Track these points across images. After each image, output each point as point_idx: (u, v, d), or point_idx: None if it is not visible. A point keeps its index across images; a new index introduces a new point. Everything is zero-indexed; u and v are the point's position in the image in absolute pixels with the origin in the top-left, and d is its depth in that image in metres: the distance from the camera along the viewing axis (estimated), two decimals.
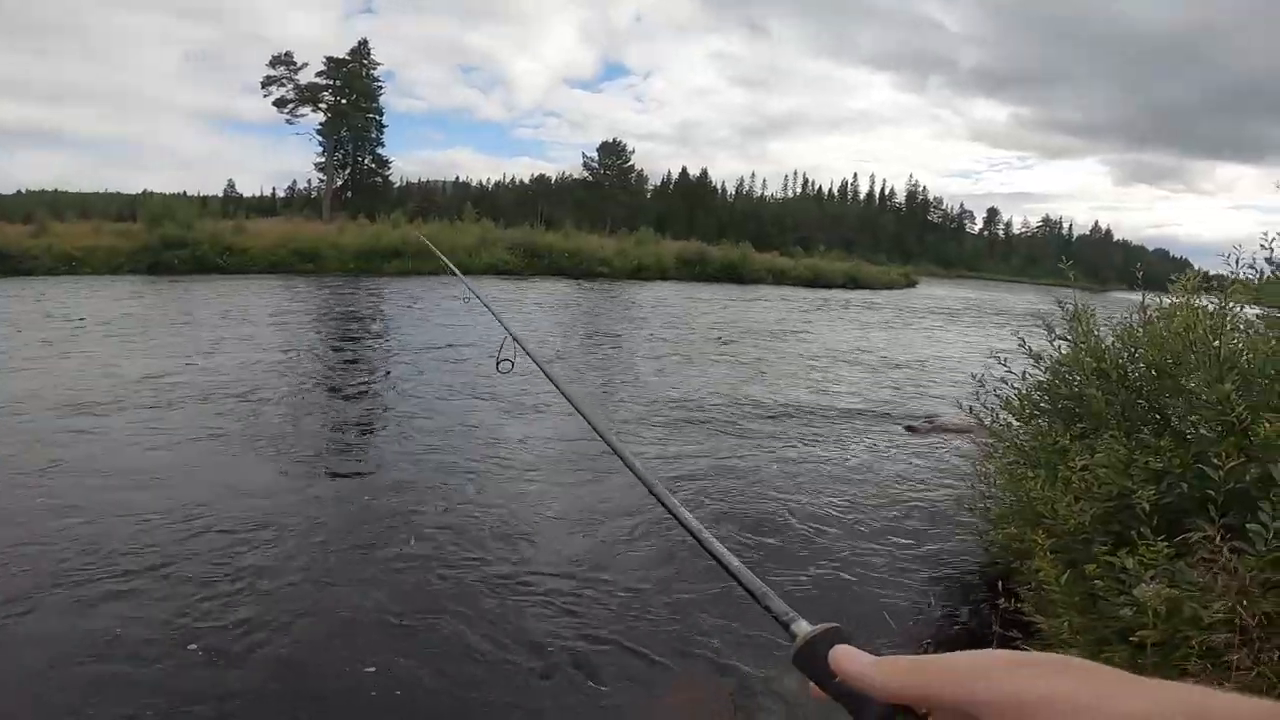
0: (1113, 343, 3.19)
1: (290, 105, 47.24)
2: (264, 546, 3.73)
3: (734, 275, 29.41)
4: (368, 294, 15.89)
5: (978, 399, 3.98)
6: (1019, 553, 3.02)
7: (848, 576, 3.87)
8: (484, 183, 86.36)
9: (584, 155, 65.43)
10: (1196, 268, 3.53)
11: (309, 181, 59.09)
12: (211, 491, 4.37)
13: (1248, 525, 1.63)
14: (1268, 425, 1.85)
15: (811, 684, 0.39)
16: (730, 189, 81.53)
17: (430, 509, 4.38)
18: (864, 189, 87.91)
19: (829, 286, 31.86)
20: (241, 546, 3.71)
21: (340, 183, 52.03)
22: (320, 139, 49.50)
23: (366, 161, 52.47)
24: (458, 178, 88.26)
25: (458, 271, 1.68)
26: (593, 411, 0.90)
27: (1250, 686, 1.46)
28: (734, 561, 0.50)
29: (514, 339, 1.27)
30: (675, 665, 2.96)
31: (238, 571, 3.46)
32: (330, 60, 48.52)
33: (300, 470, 4.92)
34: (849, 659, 0.37)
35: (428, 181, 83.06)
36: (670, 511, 0.60)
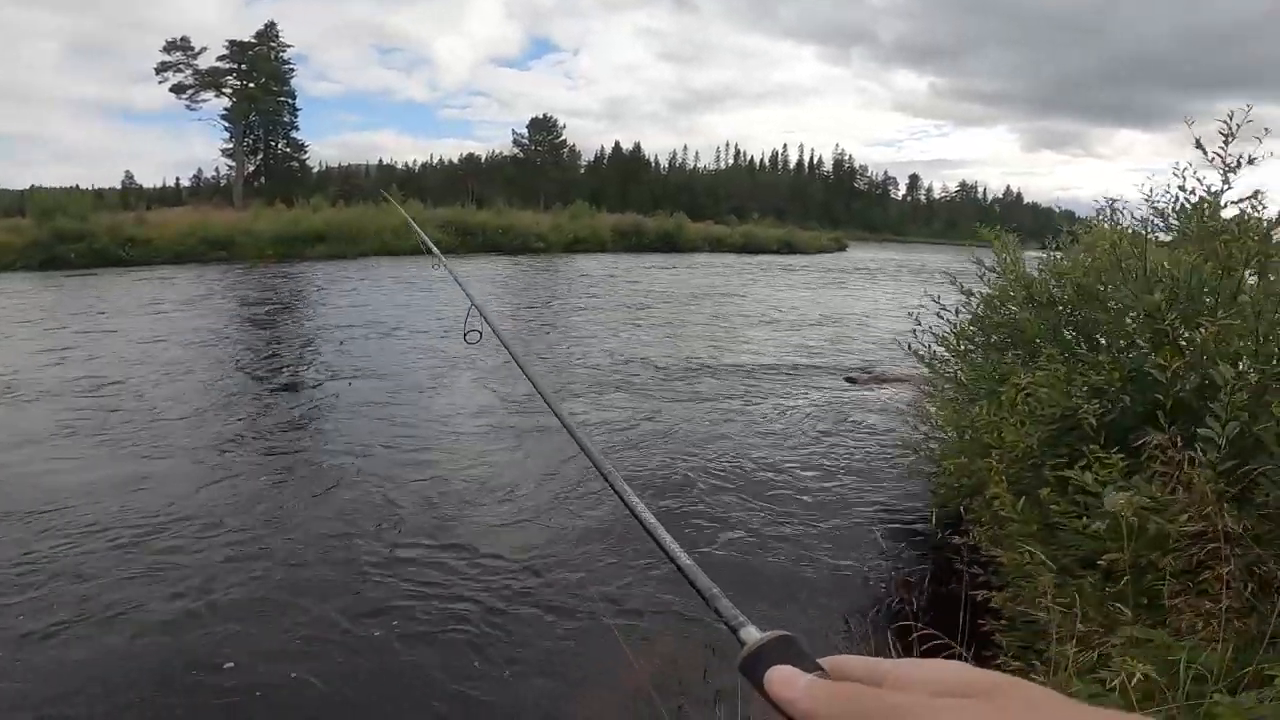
0: (1039, 272, 3.25)
1: (190, 91, 44.22)
2: (181, 538, 3.42)
3: (671, 245, 29.45)
4: (288, 280, 15.02)
5: (916, 340, 4.00)
6: (969, 489, 3.04)
7: (801, 532, 3.85)
8: (410, 164, 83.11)
9: (514, 133, 63.55)
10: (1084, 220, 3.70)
11: (216, 169, 55.48)
12: (120, 493, 3.99)
13: (1199, 431, 1.62)
14: (1204, 330, 1.86)
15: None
16: (663, 162, 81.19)
17: (368, 504, 4.13)
18: (793, 159, 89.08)
19: (764, 252, 32.28)
20: (156, 539, 3.39)
21: (252, 169, 49.25)
22: (226, 125, 46.63)
23: (280, 146, 49.79)
24: (381, 160, 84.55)
25: (433, 246, 1.67)
26: (548, 389, 0.84)
27: (1232, 609, 1.44)
28: (685, 559, 0.47)
29: (479, 311, 1.29)
30: (613, 659, 2.86)
31: (151, 568, 3.15)
32: (233, 44, 45.52)
33: (232, 461, 4.56)
34: (783, 684, 0.33)
35: (349, 165, 79.36)
36: (622, 499, 0.57)
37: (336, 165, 77.59)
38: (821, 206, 76.57)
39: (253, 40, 46.42)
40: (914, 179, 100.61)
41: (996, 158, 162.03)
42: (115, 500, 3.85)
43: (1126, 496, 1.53)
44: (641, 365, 7.66)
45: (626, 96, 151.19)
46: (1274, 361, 1.69)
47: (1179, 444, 1.65)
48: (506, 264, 20.23)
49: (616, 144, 76.27)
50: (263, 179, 48.51)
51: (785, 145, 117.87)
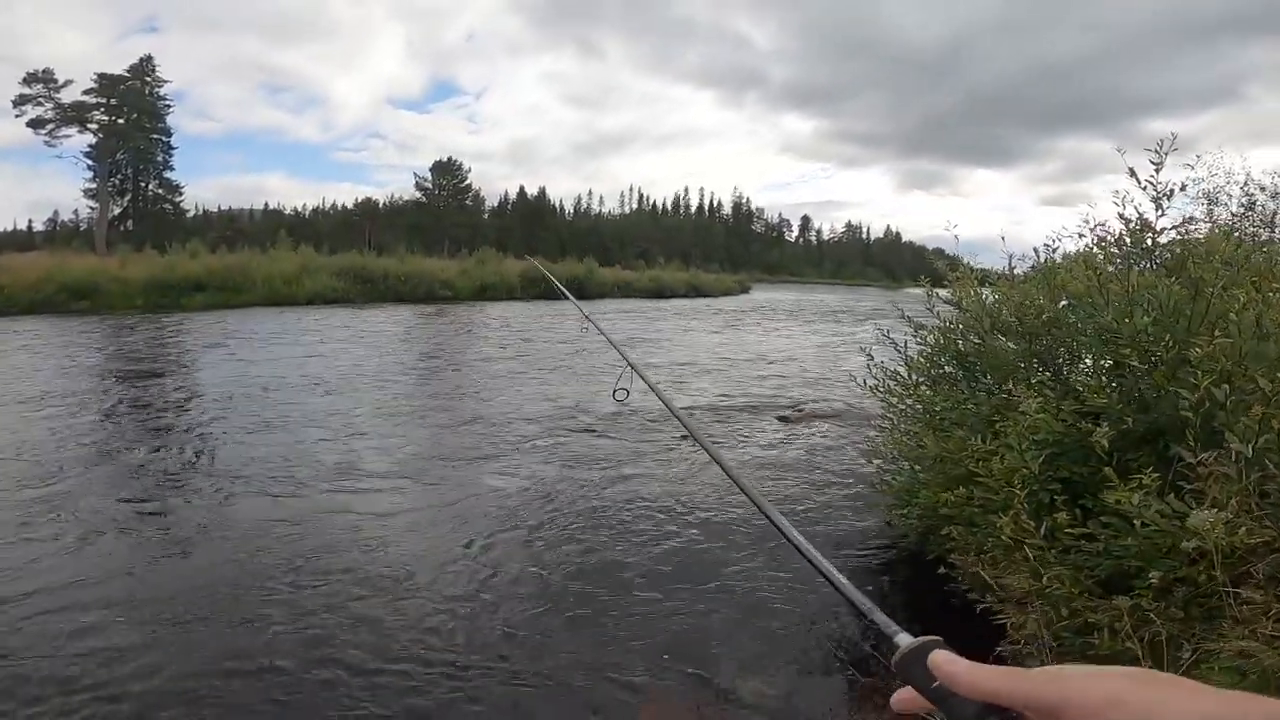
0: (994, 302, 3.35)
1: (50, 126, 40.34)
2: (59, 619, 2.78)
3: (581, 291, 29.38)
4: (170, 331, 13.60)
5: (870, 375, 4.01)
6: (941, 518, 3.00)
7: (764, 573, 3.69)
8: (300, 209, 79.44)
9: (416, 176, 62.24)
10: (966, 262, 3.94)
11: (76, 212, 50.58)
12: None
13: (1229, 447, 1.60)
14: (1201, 348, 1.89)
15: (904, 694, 0.43)
16: (569, 207, 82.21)
17: (279, 577, 3.59)
18: (695, 202, 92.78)
19: (673, 296, 32.93)
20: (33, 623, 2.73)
21: (118, 212, 45.13)
22: (90, 163, 42.64)
23: (151, 187, 46.05)
24: (267, 204, 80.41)
25: (571, 296, 1.63)
26: (705, 438, 0.86)
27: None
28: (841, 579, 0.54)
29: (633, 367, 1.24)
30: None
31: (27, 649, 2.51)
32: (103, 77, 42.13)
33: (98, 528, 3.83)
34: (949, 662, 0.40)
35: (230, 209, 74.78)
36: (782, 532, 0.63)
37: (217, 209, 72.85)
38: (723, 249, 79.85)
39: (125, 74, 43.27)
40: (805, 220, 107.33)
41: (875, 198, 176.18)
42: None
43: (1213, 515, 1.47)
44: (569, 413, 7.38)
45: (531, 140, 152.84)
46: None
47: (1215, 459, 1.62)
48: (412, 313, 19.37)
49: (521, 188, 76.59)
50: (130, 223, 44.63)
51: (686, 189, 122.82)
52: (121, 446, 5.68)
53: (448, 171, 60.74)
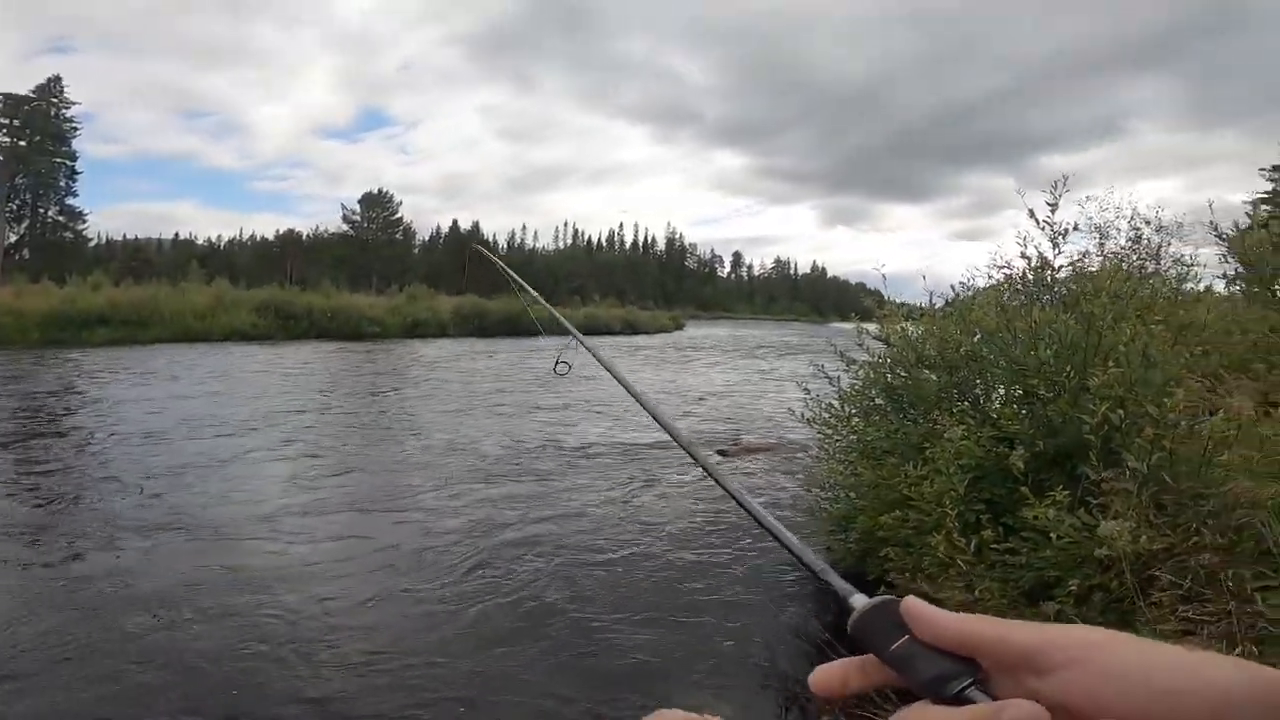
0: (918, 337, 3.62)
1: None
2: None
3: (514, 328, 29.14)
4: (68, 368, 12.61)
5: (806, 409, 4.20)
6: (878, 541, 3.17)
7: (710, 604, 3.75)
8: (214, 240, 75.74)
9: (343, 207, 60.58)
10: (890, 299, 4.27)
11: None
12: None
13: (1127, 465, 1.81)
14: (1097, 378, 2.13)
15: (839, 670, 0.38)
16: (503, 241, 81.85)
17: (193, 631, 3.38)
18: (629, 238, 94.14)
19: (607, 333, 33.11)
20: None
21: (14, 239, 41.77)
22: None
23: (51, 214, 42.93)
24: (178, 234, 76.28)
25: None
26: (654, 405, 0.81)
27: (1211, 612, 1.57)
28: (793, 539, 0.51)
29: (579, 340, 1.23)
30: None
31: None
32: (7, 97, 39.41)
33: None
34: (918, 606, 0.37)
35: (138, 238, 70.49)
36: (732, 495, 0.61)
37: (122, 238, 68.50)
38: (657, 285, 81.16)
39: (31, 95, 40.57)
40: (737, 256, 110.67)
41: (803, 234, 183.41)
42: None
43: (1119, 525, 1.65)
44: (508, 453, 7.31)
45: (464, 173, 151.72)
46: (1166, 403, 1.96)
47: (1115, 476, 1.82)
48: (338, 351, 18.70)
49: (454, 222, 75.78)
50: (26, 251, 41.38)
51: (621, 224, 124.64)
52: (7, 492, 5.22)
53: (377, 203, 59.53)
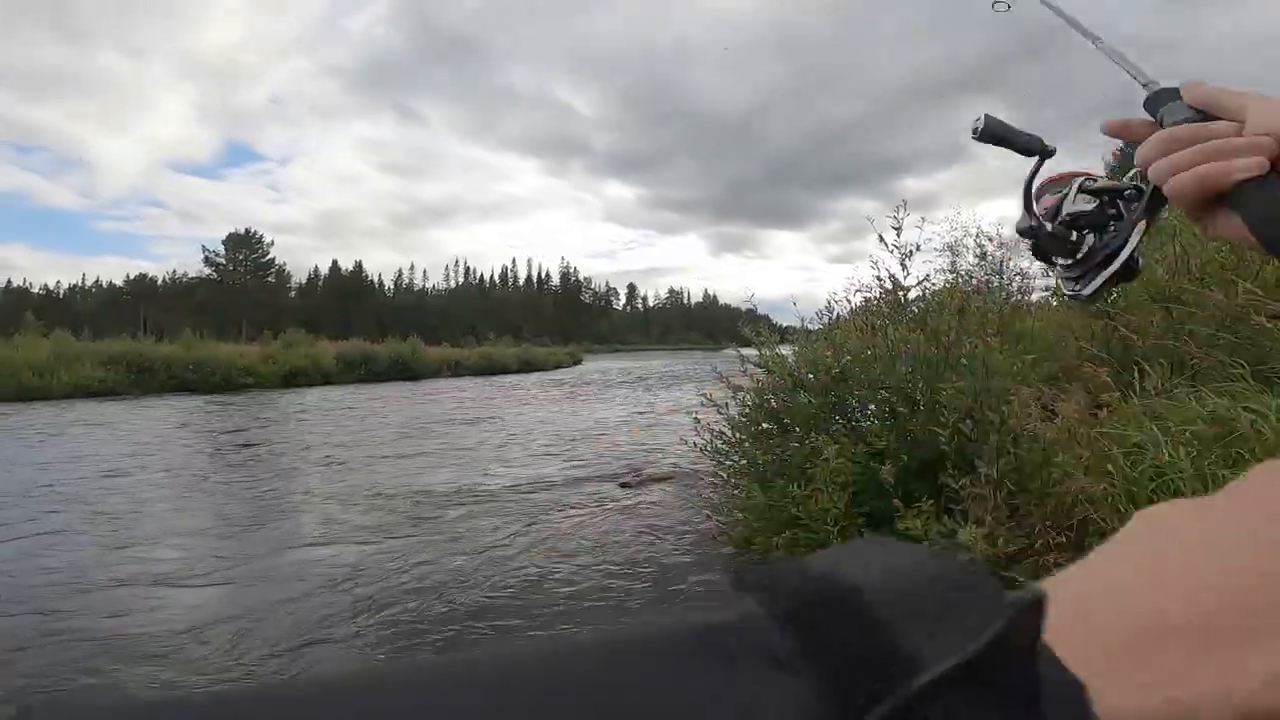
0: (794, 361, 3.86)
1: None
2: None
3: (406, 372, 27.98)
4: None
5: (697, 437, 4.32)
6: (775, 561, 3.30)
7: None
8: (52, 286, 67.68)
9: (205, 250, 55.99)
10: (768, 323, 4.59)
11: None
12: None
13: (979, 471, 2.01)
14: (947, 391, 2.36)
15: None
16: (389, 282, 78.68)
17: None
18: (523, 274, 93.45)
19: (505, 373, 32.53)
20: None
21: None
22: None
23: None
24: (10, 281, 67.60)
25: None
26: None
27: None
28: None
29: None
30: None
31: None
32: None
33: None
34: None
35: None
36: None
37: None
38: (554, 320, 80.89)
39: None
40: (632, 288, 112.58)
41: (693, 263, 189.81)
42: None
43: (974, 531, 1.81)
44: (402, 499, 6.97)
45: (345, 210, 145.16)
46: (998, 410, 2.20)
47: (971, 483, 2.02)
48: (203, 405, 17.13)
49: (334, 263, 72.22)
50: None
51: (514, 260, 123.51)
52: None
53: (245, 244, 55.62)
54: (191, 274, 57.04)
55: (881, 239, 3.27)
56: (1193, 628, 0.16)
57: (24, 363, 17.97)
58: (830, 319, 4.10)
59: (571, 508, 6.57)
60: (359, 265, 73.44)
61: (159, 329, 33.42)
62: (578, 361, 43.95)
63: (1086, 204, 0.52)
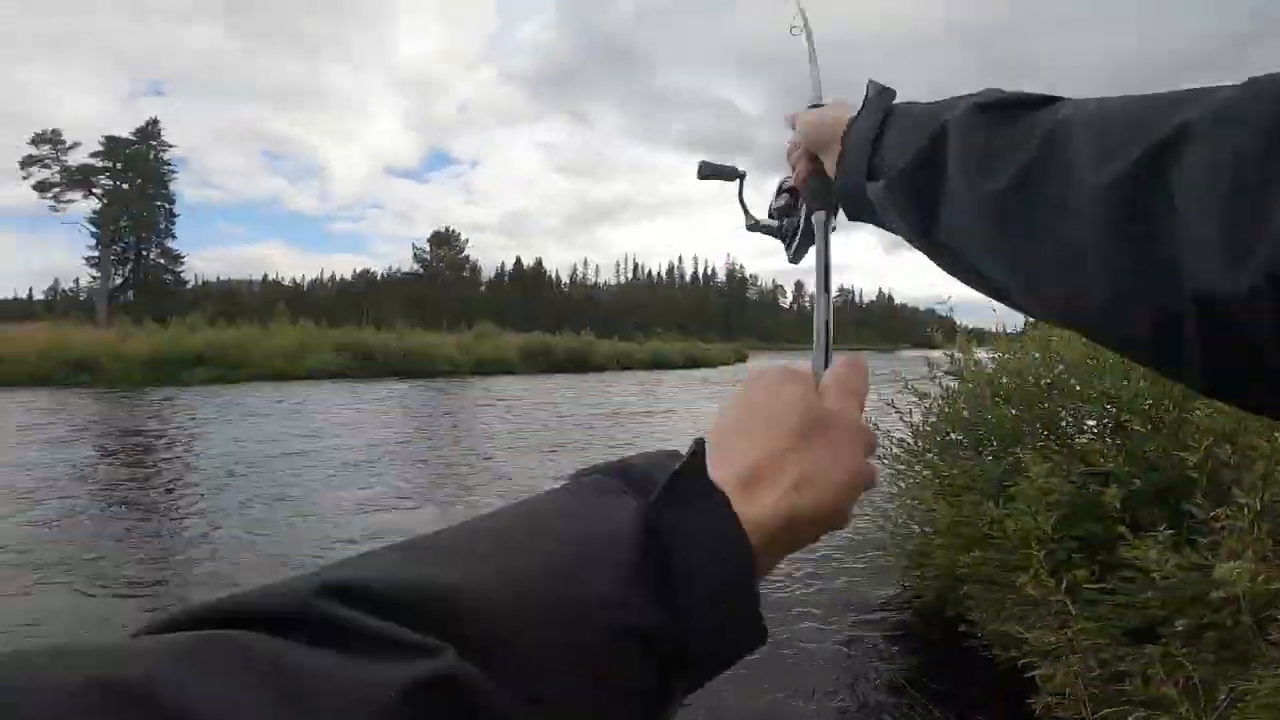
0: (994, 369, 3.49)
1: (55, 189, 40.46)
2: None
3: (580, 364, 29.55)
4: (168, 407, 13.62)
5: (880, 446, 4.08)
6: (958, 579, 3.04)
7: (783, 645, 3.66)
8: (298, 280, 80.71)
9: (414, 247, 63.50)
10: (960, 324, 4.10)
11: (76, 280, 50.68)
12: None
13: (1238, 501, 1.69)
14: (1200, 411, 2.01)
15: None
16: (564, 277, 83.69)
17: None
18: (689, 270, 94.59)
19: (672, 368, 33.16)
20: None
21: (119, 281, 44.97)
22: (93, 230, 42.66)
23: (153, 256, 46.03)
24: (266, 276, 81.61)
25: None
26: None
27: None
28: None
29: None
30: None
31: None
32: (109, 140, 42.54)
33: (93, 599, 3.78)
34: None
35: (230, 280, 75.88)
36: None
37: (215, 279, 73.84)
38: (719, 317, 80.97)
39: (131, 137, 43.61)
40: (799, 286, 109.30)
41: (865, 261, 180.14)
42: None
43: (1238, 565, 1.54)
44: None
45: (525, 210, 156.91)
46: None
47: (1226, 513, 1.71)
48: (413, 389, 19.41)
49: (518, 259, 78.23)
50: (130, 294, 44.43)
51: (680, 257, 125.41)
52: (111, 524, 5.65)
53: (445, 242, 62.05)
54: (404, 269, 65.05)
55: None
56: (749, 474, 0.33)
57: (277, 349, 21.53)
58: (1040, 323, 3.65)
59: None
60: (538, 261, 78.93)
61: (378, 320, 38.44)
62: (742, 359, 43.58)
63: (783, 200, 0.73)
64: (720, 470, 0.33)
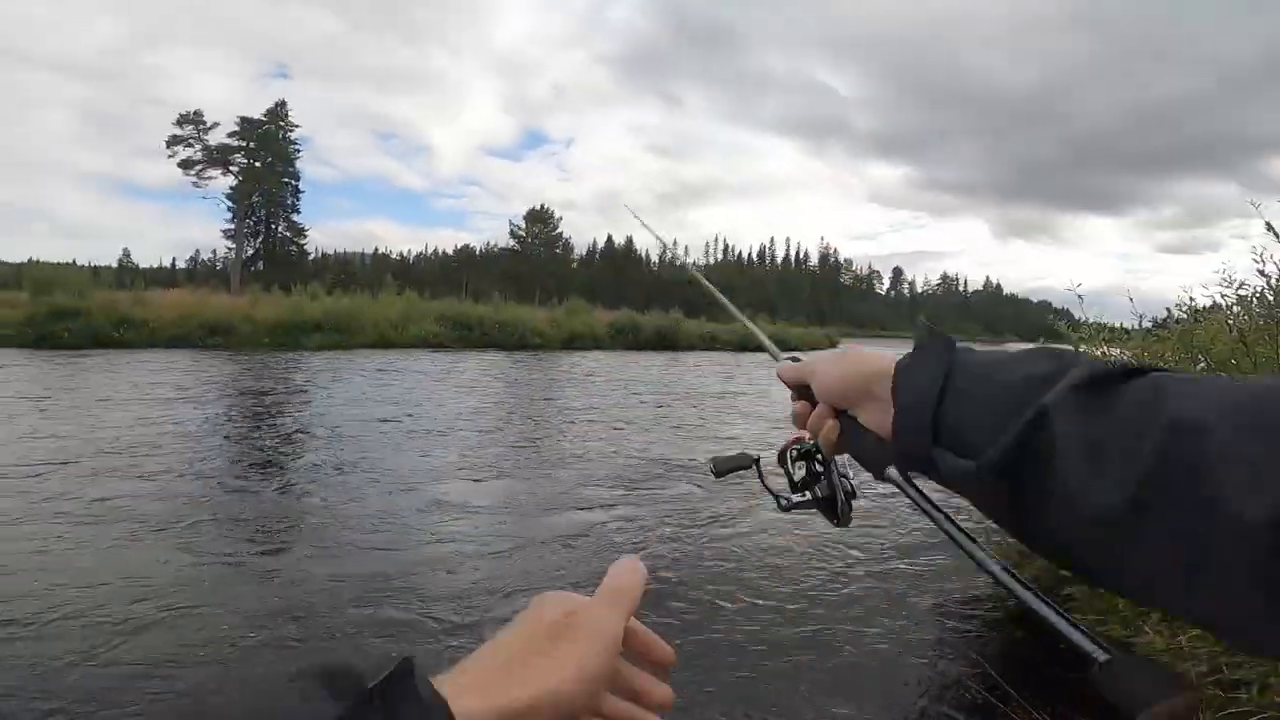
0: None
1: (198, 167, 44.50)
2: (174, 632, 3.03)
3: (667, 343, 29.61)
4: (289, 369, 14.82)
5: None
6: (1060, 579, 2.81)
7: (881, 639, 3.53)
8: (404, 254, 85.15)
9: (511, 224, 65.49)
10: (1087, 320, 3.68)
11: (214, 251, 55.89)
12: (119, 579, 3.60)
13: None
14: None
15: None
16: (654, 257, 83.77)
17: (365, 602, 3.77)
18: (780, 252, 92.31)
19: (759, 350, 32.36)
20: (151, 634, 2.99)
21: (251, 252, 49.27)
22: (229, 205, 46.85)
23: (281, 229, 50.07)
24: (376, 249, 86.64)
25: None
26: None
27: None
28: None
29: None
30: None
31: (141, 666, 2.76)
32: (244, 120, 46.35)
33: (221, 555, 4.18)
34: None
35: (344, 252, 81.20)
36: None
37: (332, 252, 79.34)
38: (809, 301, 78.74)
39: (263, 118, 47.20)
40: (897, 272, 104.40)
41: (972, 248, 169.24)
42: (88, 592, 3.47)
43: None
44: (658, 467, 7.41)
45: (617, 189, 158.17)
46: None
47: None
48: (505, 360, 20.15)
49: (609, 238, 79.00)
50: (260, 263, 48.42)
51: (772, 239, 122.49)
52: (239, 473, 6.20)
53: (540, 220, 63.47)
54: (500, 245, 67.28)
55: (1270, 227, 2.52)
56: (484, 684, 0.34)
57: (385, 318, 22.87)
58: (1181, 317, 3.26)
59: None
60: (629, 240, 79.19)
61: (475, 293, 40.00)
62: (834, 344, 42.06)
63: (800, 470, 0.70)
64: (454, 680, 0.34)
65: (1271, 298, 2.78)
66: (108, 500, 5.16)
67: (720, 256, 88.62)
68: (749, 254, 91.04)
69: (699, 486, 6.50)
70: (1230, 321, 2.74)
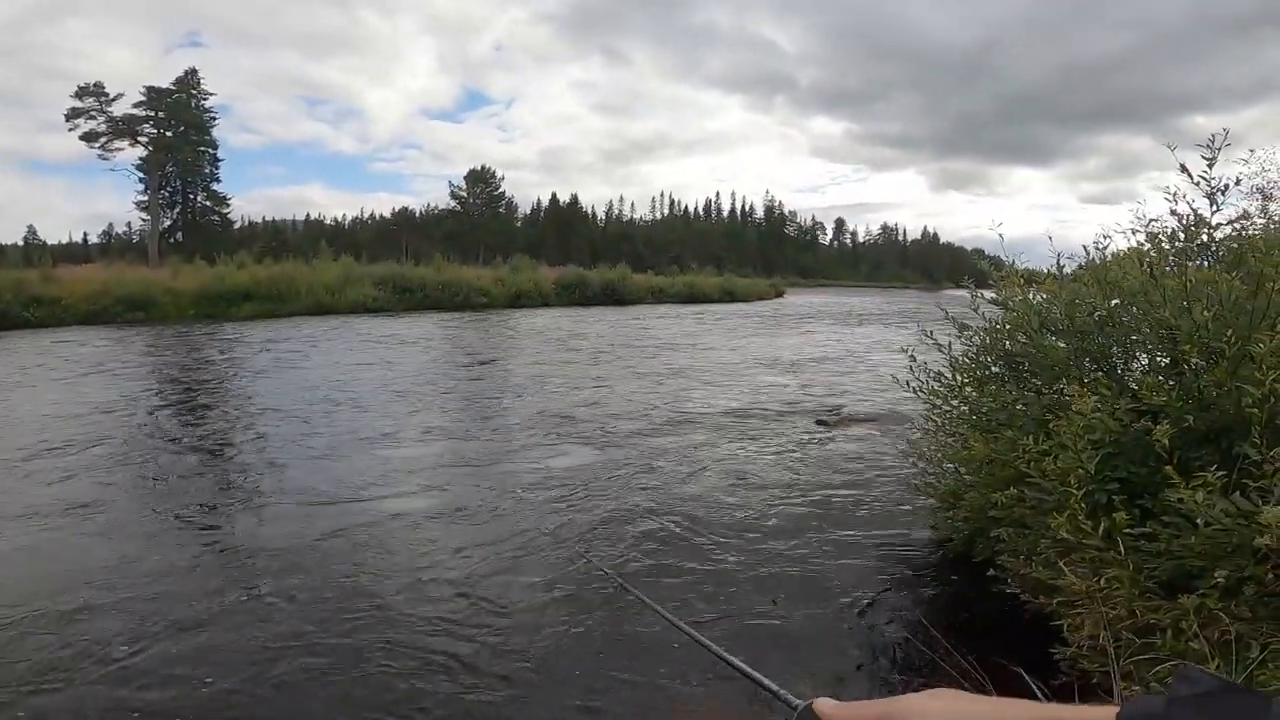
0: (1044, 301, 3.29)
1: (102, 139, 41.82)
2: (105, 619, 2.91)
3: (615, 297, 29.50)
4: (218, 340, 14.12)
5: (913, 377, 3.95)
6: (989, 520, 2.96)
7: (811, 579, 3.66)
8: (339, 219, 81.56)
9: (451, 185, 63.30)
10: (1011, 262, 3.83)
11: (129, 224, 52.46)
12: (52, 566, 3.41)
13: None
14: (1264, 344, 1.84)
15: None
16: (600, 213, 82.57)
17: (303, 576, 3.70)
18: (726, 207, 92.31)
19: (706, 301, 32.87)
20: (80, 622, 2.87)
21: (168, 224, 46.71)
22: (141, 175, 44.20)
23: (200, 199, 47.55)
24: (309, 215, 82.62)
25: None
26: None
27: None
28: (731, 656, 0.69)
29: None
30: None
31: (69, 655, 2.64)
32: (151, 90, 43.58)
33: (156, 533, 4.01)
34: (824, 705, 0.51)
35: (275, 220, 77.17)
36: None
37: (261, 220, 75.27)
38: (756, 253, 79.36)
39: (171, 87, 44.64)
40: (840, 223, 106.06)
41: (910, 200, 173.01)
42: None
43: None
44: (608, 419, 7.43)
45: (561, 148, 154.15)
46: None
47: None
48: (450, 320, 19.71)
49: (554, 195, 77.31)
50: (180, 235, 46.12)
51: (718, 193, 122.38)
52: (169, 451, 5.93)
53: (481, 180, 61.65)
54: (441, 207, 65.03)
55: (1184, 169, 2.61)
56: None
57: (320, 283, 21.94)
58: (1098, 258, 3.40)
59: (765, 440, 6.53)
60: (574, 197, 77.76)
61: (416, 255, 38.75)
62: (780, 294, 42.86)
63: None
64: None
65: (1183, 235, 2.90)
66: (26, 492, 4.86)
67: (667, 211, 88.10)
68: (695, 208, 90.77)
69: (650, 435, 6.56)
70: (1142, 258, 2.85)
